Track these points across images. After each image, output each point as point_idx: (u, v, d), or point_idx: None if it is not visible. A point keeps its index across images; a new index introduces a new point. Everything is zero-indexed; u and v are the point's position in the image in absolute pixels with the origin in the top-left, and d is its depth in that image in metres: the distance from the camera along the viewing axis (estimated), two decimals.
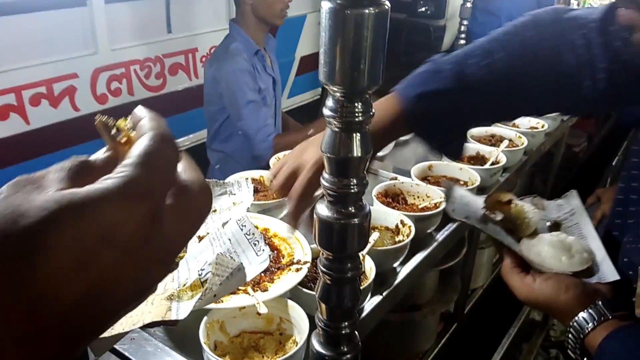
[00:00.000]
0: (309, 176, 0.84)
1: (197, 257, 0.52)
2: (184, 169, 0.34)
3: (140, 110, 0.36)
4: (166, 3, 3.18)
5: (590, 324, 0.75)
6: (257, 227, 1.05)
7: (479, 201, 1.07)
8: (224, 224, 0.58)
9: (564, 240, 0.90)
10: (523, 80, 0.89)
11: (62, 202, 0.26)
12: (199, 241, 0.58)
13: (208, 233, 0.59)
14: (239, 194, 0.67)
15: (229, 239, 0.55)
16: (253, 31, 2.23)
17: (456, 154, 0.99)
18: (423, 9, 6.42)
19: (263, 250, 0.54)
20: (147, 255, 0.28)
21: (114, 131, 0.34)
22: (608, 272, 0.84)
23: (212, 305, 0.83)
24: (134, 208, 0.27)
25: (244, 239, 0.55)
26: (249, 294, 0.84)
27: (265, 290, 0.87)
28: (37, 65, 2.68)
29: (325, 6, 0.53)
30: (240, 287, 0.88)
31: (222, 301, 0.84)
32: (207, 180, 0.68)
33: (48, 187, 0.27)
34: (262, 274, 0.92)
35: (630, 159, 0.92)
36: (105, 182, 0.28)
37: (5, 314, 0.23)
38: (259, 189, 1.31)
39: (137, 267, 0.28)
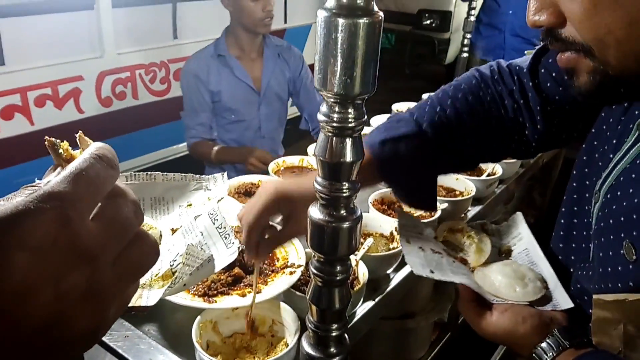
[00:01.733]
0: (260, 205, 0.78)
1: (169, 249, 0.54)
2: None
3: (88, 140, 0.40)
4: (173, 9, 3.23)
5: (550, 354, 0.76)
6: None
7: (430, 231, 1.07)
8: (196, 217, 0.60)
9: (517, 270, 0.90)
10: (471, 129, 0.95)
11: None
12: (172, 234, 0.60)
13: (181, 226, 0.61)
14: (214, 189, 0.69)
15: (201, 232, 0.57)
16: (237, 38, 2.23)
17: (426, 205, 1.02)
18: (428, 21, 6.48)
19: (233, 243, 0.55)
20: (59, 256, 0.30)
21: (60, 150, 0.38)
22: (562, 300, 0.85)
23: (205, 305, 0.84)
24: (43, 215, 0.30)
25: (215, 232, 0.57)
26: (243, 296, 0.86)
27: (259, 292, 0.88)
28: (43, 66, 2.71)
29: (321, 15, 0.54)
30: (233, 289, 0.90)
31: (216, 301, 0.85)
32: (184, 175, 0.69)
33: None
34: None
35: (571, 183, 0.93)
36: (26, 197, 0.30)
37: None
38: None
39: (51, 266, 0.29)
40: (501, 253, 1.04)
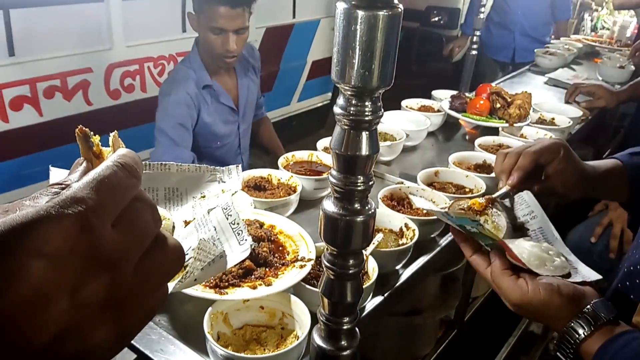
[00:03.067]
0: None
1: (182, 242, 0.54)
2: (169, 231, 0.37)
3: (120, 144, 0.40)
4: (182, 2, 3.22)
5: (587, 327, 0.75)
6: (263, 224, 1.07)
7: (443, 210, 1.08)
8: (209, 211, 0.60)
9: (540, 246, 0.90)
10: None
11: (6, 223, 0.28)
12: (185, 226, 0.59)
13: (194, 219, 0.61)
14: (229, 181, 0.69)
15: (214, 227, 0.56)
16: (208, 58, 2.04)
17: None
18: (436, 18, 6.45)
19: (245, 240, 0.55)
20: (77, 265, 0.29)
21: (91, 144, 0.39)
22: (589, 273, 0.85)
23: (216, 297, 0.85)
24: (62, 222, 0.29)
25: (228, 228, 0.57)
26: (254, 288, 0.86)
27: (270, 284, 0.89)
28: (53, 58, 2.72)
29: (340, 7, 0.54)
30: (244, 281, 0.90)
31: (227, 293, 0.85)
32: (199, 165, 0.69)
33: (15, 211, 0.30)
34: (267, 269, 0.94)
35: None
36: (46, 201, 0.30)
37: None
38: (266, 187, 1.33)
39: (67, 276, 0.29)
40: (516, 229, 1.03)
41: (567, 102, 2.33)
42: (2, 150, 2.61)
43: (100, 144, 0.39)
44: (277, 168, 1.41)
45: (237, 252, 0.54)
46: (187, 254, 0.51)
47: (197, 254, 0.50)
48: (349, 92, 0.59)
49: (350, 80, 0.57)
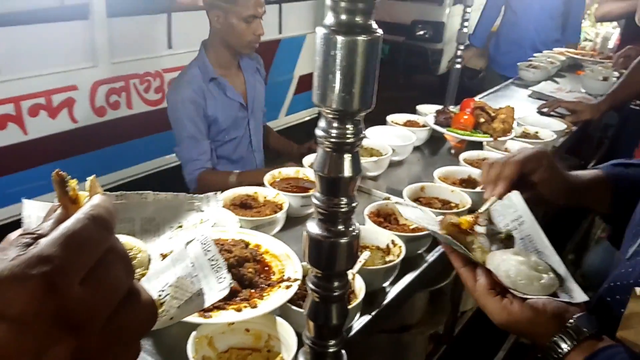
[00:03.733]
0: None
1: (158, 276, 0.52)
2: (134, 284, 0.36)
3: (97, 189, 0.39)
4: (168, 19, 3.23)
5: (569, 342, 0.75)
6: (248, 244, 1.06)
7: (435, 224, 1.05)
8: (187, 244, 0.58)
9: (529, 260, 0.88)
10: None
11: None
12: (162, 259, 0.58)
13: (171, 251, 0.59)
14: (207, 210, 0.67)
15: (192, 263, 0.55)
16: (218, 55, 2.18)
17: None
18: (421, 32, 6.53)
19: (224, 277, 0.54)
20: (42, 329, 0.28)
21: (68, 188, 0.38)
22: (577, 293, 0.85)
23: (201, 320, 0.84)
24: (27, 283, 0.28)
25: (206, 264, 0.55)
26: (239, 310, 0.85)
27: (255, 306, 0.88)
28: (37, 76, 2.71)
29: (320, 32, 0.55)
30: (229, 303, 0.89)
31: (212, 316, 0.84)
32: (177, 194, 0.67)
33: None
34: (253, 291, 0.93)
35: None
36: (13, 260, 0.29)
37: None
38: (252, 205, 1.33)
39: (31, 339, 0.28)
40: (503, 240, 1.01)
41: (540, 112, 2.37)
42: None
43: (77, 188, 0.38)
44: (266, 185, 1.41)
45: (215, 290, 0.53)
46: (164, 290, 0.50)
47: (174, 291, 0.49)
48: (331, 115, 0.59)
49: (332, 103, 0.57)
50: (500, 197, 1.05)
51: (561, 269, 0.90)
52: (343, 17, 0.54)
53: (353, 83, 0.56)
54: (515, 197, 1.03)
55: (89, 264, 0.32)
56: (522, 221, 1.01)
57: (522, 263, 0.87)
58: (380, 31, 0.55)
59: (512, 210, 1.03)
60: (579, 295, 0.84)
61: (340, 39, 0.53)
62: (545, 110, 2.38)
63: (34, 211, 0.51)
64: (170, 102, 2.15)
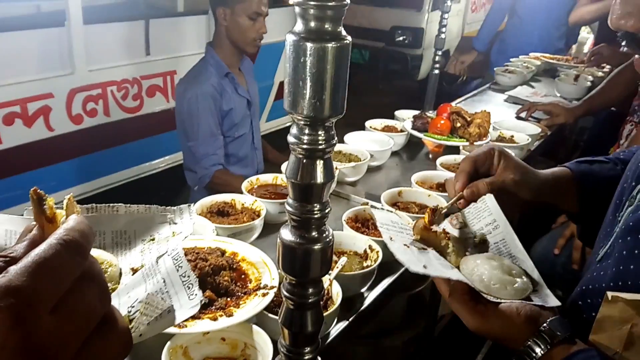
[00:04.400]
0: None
1: (129, 293, 0.51)
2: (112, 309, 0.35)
3: (75, 209, 0.39)
4: (145, 25, 3.20)
5: (543, 346, 0.76)
6: (224, 252, 1.06)
7: (408, 228, 1.06)
8: (158, 259, 0.57)
9: (502, 265, 0.89)
10: None
11: None
12: (133, 274, 0.57)
13: (143, 265, 0.58)
14: (180, 223, 0.66)
15: (163, 279, 0.54)
16: (226, 53, 2.28)
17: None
18: (401, 38, 6.58)
19: (195, 294, 0.53)
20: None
21: (46, 206, 0.37)
22: (549, 298, 0.86)
23: (175, 330, 0.82)
24: None
25: (178, 281, 0.54)
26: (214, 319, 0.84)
27: (231, 315, 0.87)
28: (12, 84, 2.66)
29: (289, 39, 0.55)
30: (205, 312, 0.88)
31: (187, 326, 0.84)
32: (149, 206, 0.67)
33: None
34: (229, 299, 0.92)
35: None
36: None
37: None
38: (230, 212, 1.32)
39: None
40: (477, 244, 1.01)
41: (518, 117, 2.40)
42: None
43: (54, 206, 0.37)
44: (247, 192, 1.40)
45: (186, 307, 0.52)
46: (133, 306, 0.49)
47: (144, 308, 0.48)
48: (302, 122, 0.59)
49: (303, 110, 0.58)
50: (460, 191, 1.08)
51: (534, 273, 0.91)
52: (312, 24, 0.54)
53: (323, 90, 0.56)
54: (490, 200, 1.04)
55: (60, 292, 0.31)
56: (496, 225, 1.01)
57: (495, 267, 0.88)
58: (349, 38, 0.55)
59: (487, 213, 1.04)
60: (552, 300, 0.85)
61: (309, 45, 0.53)
62: (523, 115, 2.41)
63: (2, 224, 0.50)
64: (186, 98, 2.18)
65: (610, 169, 1.15)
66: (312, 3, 0.52)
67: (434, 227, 1.01)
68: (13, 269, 0.30)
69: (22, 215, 0.46)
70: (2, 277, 0.29)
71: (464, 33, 7.07)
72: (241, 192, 1.37)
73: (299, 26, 0.55)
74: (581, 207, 1.14)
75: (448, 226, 1.03)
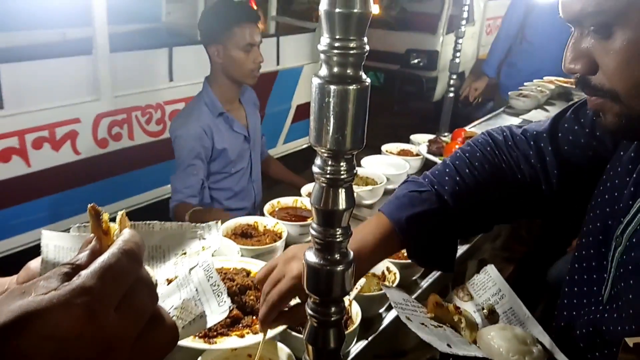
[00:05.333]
0: (286, 288, 0.85)
1: (164, 300, 0.57)
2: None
3: (126, 223, 0.45)
4: (169, 53, 3.33)
5: None
6: (249, 272, 1.11)
7: (421, 306, 1.03)
8: (190, 270, 0.63)
9: (517, 335, 0.91)
10: (489, 195, 1.00)
11: (22, 307, 0.33)
12: (168, 284, 0.62)
13: (176, 276, 0.63)
14: (209, 238, 0.72)
15: (196, 288, 0.60)
16: (223, 89, 2.24)
17: (445, 267, 1.02)
18: (416, 61, 6.68)
19: (225, 301, 0.58)
20: (83, 349, 0.33)
21: (102, 220, 0.43)
22: None
23: (205, 346, 0.88)
24: (71, 309, 0.33)
25: (209, 289, 0.60)
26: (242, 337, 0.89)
27: (257, 333, 0.92)
28: (41, 110, 2.78)
29: (315, 82, 0.61)
30: (232, 330, 0.93)
31: (216, 342, 0.89)
32: (180, 223, 0.73)
33: (31, 293, 0.35)
34: (254, 317, 0.98)
35: (587, 226, 0.96)
36: (59, 290, 0.35)
37: None
38: (252, 234, 1.38)
39: (74, 358, 0.33)
40: (487, 316, 1.04)
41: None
42: None
43: (108, 220, 0.44)
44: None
45: (216, 313, 0.58)
46: (170, 312, 0.55)
47: (180, 313, 0.54)
48: (326, 154, 0.65)
49: (326, 144, 0.64)
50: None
51: (545, 339, 0.93)
52: (335, 69, 0.60)
53: (345, 126, 0.62)
54: (492, 270, 1.08)
55: (122, 293, 0.37)
56: (502, 295, 1.04)
57: (510, 339, 0.90)
58: (368, 80, 0.62)
59: (491, 284, 1.07)
60: None
61: (333, 88, 0.60)
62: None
63: (52, 240, 0.56)
64: (175, 135, 2.18)
65: (426, 200, 0.98)
66: (335, 51, 0.59)
67: (445, 304, 1.04)
68: (84, 273, 0.36)
69: (69, 232, 0.52)
70: (76, 279, 0.35)
71: (479, 55, 7.14)
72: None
73: (324, 71, 0.61)
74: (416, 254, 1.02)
75: (457, 301, 1.06)
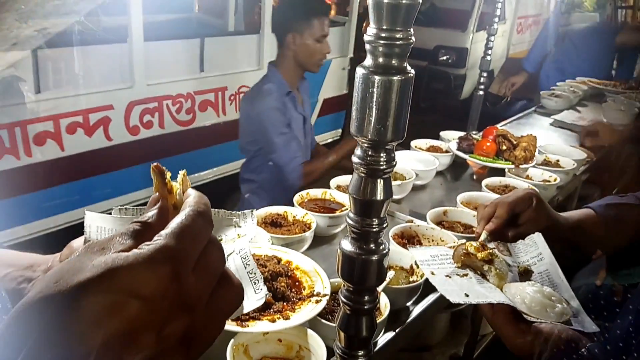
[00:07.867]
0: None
1: None
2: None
3: (187, 182, 0.46)
4: (201, 44, 3.37)
5: None
6: (280, 260, 1.13)
7: (449, 259, 1.09)
8: (228, 256, 0.65)
9: (543, 291, 0.94)
10: None
11: (108, 264, 0.34)
12: None
13: None
14: (244, 226, 0.73)
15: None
16: (289, 74, 2.39)
17: None
18: (444, 57, 6.62)
19: (261, 289, 0.60)
20: (166, 308, 0.34)
21: (166, 178, 0.43)
22: (587, 323, 0.90)
23: (238, 329, 0.90)
24: (157, 269, 0.34)
25: (246, 276, 0.61)
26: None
27: (287, 318, 0.94)
28: (76, 95, 2.85)
29: (359, 72, 0.62)
30: (264, 314, 0.95)
31: (248, 325, 0.91)
32: (217, 210, 0.74)
33: (110, 249, 0.36)
34: (285, 303, 0.99)
35: None
36: (142, 249, 0.36)
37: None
38: (282, 223, 1.40)
39: (157, 316, 0.34)
40: (520, 273, 1.07)
41: (582, 145, 2.39)
42: (27, 182, 2.71)
43: (171, 180, 0.44)
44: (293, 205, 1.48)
45: (252, 299, 0.59)
46: None
47: None
48: (366, 144, 0.66)
49: (368, 134, 0.64)
50: (491, 233, 1.11)
51: (574, 301, 0.96)
52: (380, 60, 0.61)
53: (387, 117, 0.63)
54: (538, 238, 1.11)
55: (198, 253, 0.38)
56: (542, 257, 1.09)
57: (536, 292, 0.93)
58: (412, 71, 0.62)
59: (534, 248, 1.11)
60: (590, 326, 0.88)
61: (377, 78, 0.61)
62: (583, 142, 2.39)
63: (94, 222, 0.58)
64: (255, 113, 2.29)
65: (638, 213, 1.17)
66: (381, 42, 0.60)
67: (477, 248, 1.06)
68: (165, 233, 0.37)
69: (110, 213, 0.53)
70: (158, 239, 0.36)
71: (509, 54, 7.04)
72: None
73: (369, 61, 0.62)
74: (609, 248, 1.17)
75: (495, 250, 1.08)
